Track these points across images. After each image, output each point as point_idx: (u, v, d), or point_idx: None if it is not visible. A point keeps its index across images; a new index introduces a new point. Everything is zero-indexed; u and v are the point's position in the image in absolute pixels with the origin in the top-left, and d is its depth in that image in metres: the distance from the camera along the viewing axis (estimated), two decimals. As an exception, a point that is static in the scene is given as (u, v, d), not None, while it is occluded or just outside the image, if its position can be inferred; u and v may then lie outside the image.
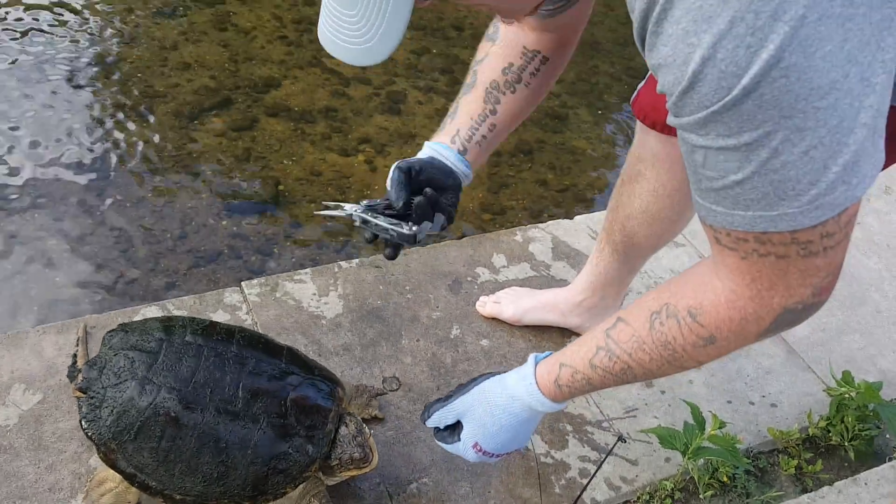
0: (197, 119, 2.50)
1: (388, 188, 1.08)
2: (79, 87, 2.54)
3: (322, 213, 1.19)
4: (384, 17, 0.75)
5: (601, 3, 3.19)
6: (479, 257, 1.77)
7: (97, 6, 2.93)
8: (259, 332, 1.38)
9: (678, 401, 1.51)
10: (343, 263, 1.70)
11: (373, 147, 2.51)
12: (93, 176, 2.23)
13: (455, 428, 1.15)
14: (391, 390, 1.44)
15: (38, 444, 1.24)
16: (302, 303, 1.58)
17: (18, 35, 2.70)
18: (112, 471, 1.10)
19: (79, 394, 1.11)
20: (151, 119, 2.47)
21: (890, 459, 1.50)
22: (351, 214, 1.14)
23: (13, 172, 2.18)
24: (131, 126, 2.43)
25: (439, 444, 1.18)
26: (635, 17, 0.75)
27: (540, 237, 1.87)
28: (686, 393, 1.53)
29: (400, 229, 1.09)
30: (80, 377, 1.12)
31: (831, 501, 1.36)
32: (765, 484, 1.43)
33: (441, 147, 1.17)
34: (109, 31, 2.83)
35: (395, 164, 1.09)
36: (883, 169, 0.78)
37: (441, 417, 1.14)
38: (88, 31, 2.80)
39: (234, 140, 2.44)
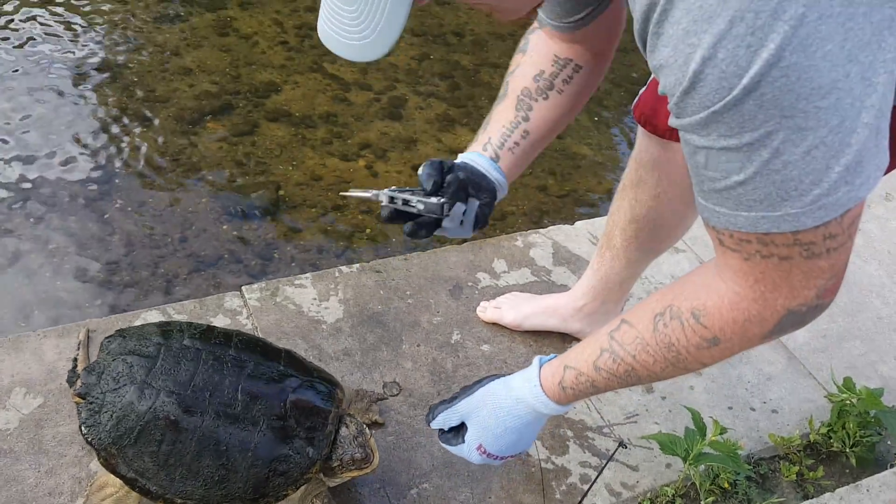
0: (198, 124, 2.50)
1: (420, 173, 1.05)
2: (80, 91, 2.55)
3: (348, 193, 1.14)
4: (383, 14, 0.76)
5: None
6: (480, 262, 1.77)
7: (99, 11, 2.94)
8: (258, 336, 1.37)
9: (679, 406, 1.50)
10: (344, 268, 1.70)
11: (373, 152, 2.51)
12: (94, 180, 2.23)
13: (459, 430, 1.14)
14: (392, 395, 1.43)
15: (38, 447, 1.24)
16: (302, 307, 1.57)
17: (20, 40, 2.70)
18: (112, 476, 1.09)
19: (78, 399, 1.11)
20: (152, 124, 2.47)
21: (891, 466, 1.50)
22: (378, 195, 1.07)
23: (14, 176, 2.18)
24: (132, 131, 2.43)
25: (443, 445, 1.17)
26: (636, 19, 0.75)
27: (540, 242, 1.87)
28: (687, 399, 1.53)
29: (429, 200, 1.03)
30: (78, 383, 1.12)
31: (833, 508, 1.36)
32: (766, 490, 1.42)
33: (473, 155, 1.15)
34: (111, 36, 2.84)
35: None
36: (887, 172, 0.79)
37: (445, 419, 1.14)
38: (90, 36, 2.81)
39: (235, 145, 2.44)
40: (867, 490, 1.39)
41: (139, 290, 1.94)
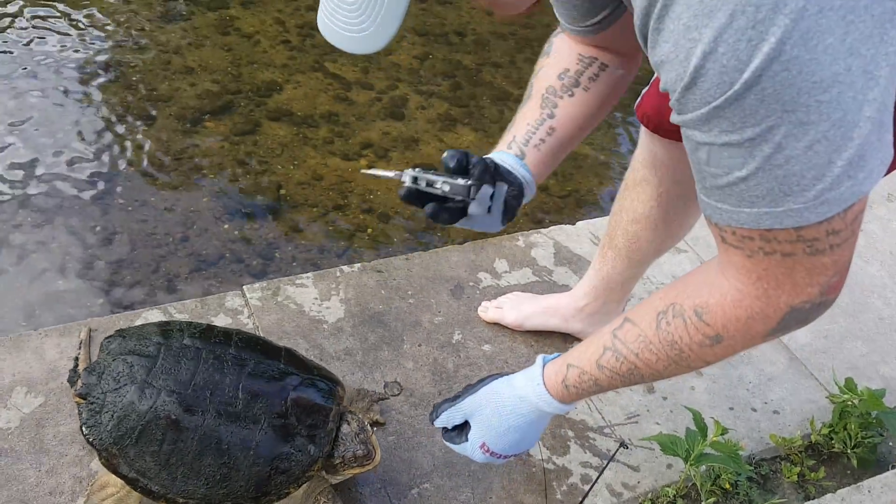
0: (199, 123, 2.50)
1: (444, 156, 0.99)
2: (82, 90, 2.55)
3: (369, 171, 1.06)
4: (383, 5, 0.76)
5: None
6: (481, 262, 1.77)
7: (102, 11, 2.94)
8: (258, 334, 1.37)
9: (680, 407, 1.50)
10: (345, 268, 1.70)
11: (374, 152, 2.51)
12: (95, 179, 2.23)
13: (463, 428, 1.14)
14: (393, 395, 1.43)
15: (39, 447, 1.24)
16: (303, 307, 1.57)
17: (24, 39, 2.70)
18: (113, 476, 1.09)
19: (79, 400, 1.11)
20: (154, 123, 2.47)
21: (893, 467, 1.49)
22: (400, 174, 0.99)
23: (16, 175, 2.18)
24: (134, 129, 2.43)
25: (447, 444, 1.17)
26: (636, 14, 0.75)
27: (542, 242, 1.87)
28: (688, 399, 1.53)
29: (454, 181, 0.95)
30: (79, 383, 1.12)
31: (834, 509, 1.36)
32: (767, 491, 1.42)
33: (499, 154, 1.11)
34: (113, 35, 2.84)
35: None
36: (890, 172, 0.78)
37: (449, 417, 1.14)
38: (92, 35, 2.81)
39: (237, 144, 2.44)
40: (868, 491, 1.39)
41: (141, 289, 1.94)
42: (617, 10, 1.06)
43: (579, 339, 1.54)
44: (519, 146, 1.11)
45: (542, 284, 1.74)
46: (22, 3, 2.88)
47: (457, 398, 1.14)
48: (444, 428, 1.17)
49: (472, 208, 0.97)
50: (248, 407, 1.09)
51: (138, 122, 2.46)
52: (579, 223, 1.97)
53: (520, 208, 1.07)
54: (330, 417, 1.14)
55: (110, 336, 1.18)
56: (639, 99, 1.28)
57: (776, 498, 1.40)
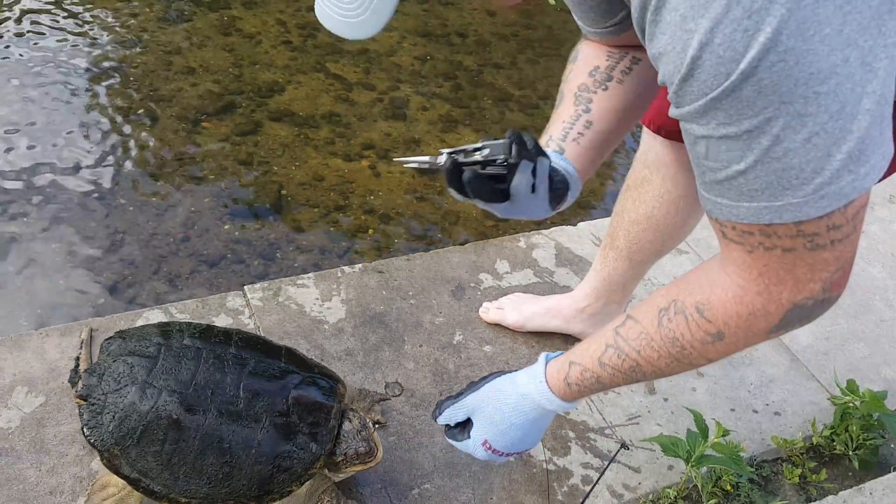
0: (201, 123, 2.50)
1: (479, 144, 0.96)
2: (84, 90, 2.55)
3: (402, 159, 1.01)
4: None
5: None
6: (483, 263, 1.77)
7: (103, 11, 2.94)
8: (259, 334, 1.37)
9: (681, 408, 1.50)
10: (346, 268, 1.70)
11: (376, 152, 2.51)
12: (97, 179, 2.23)
13: (465, 426, 1.14)
14: (394, 395, 1.43)
15: (39, 446, 1.24)
16: (305, 307, 1.57)
17: (25, 40, 2.71)
18: (115, 476, 1.09)
19: (80, 401, 1.11)
20: (155, 123, 2.47)
21: (895, 469, 1.49)
22: (435, 158, 0.94)
23: (17, 175, 2.19)
24: (135, 130, 2.43)
25: (449, 441, 1.17)
26: (633, 7, 0.75)
27: (543, 243, 1.87)
28: (689, 400, 1.53)
29: (493, 141, 0.91)
30: (80, 384, 1.12)
31: (836, 510, 1.36)
32: (768, 493, 1.42)
33: None
34: (115, 35, 2.84)
35: None
36: (890, 174, 0.78)
37: (452, 414, 1.14)
38: (94, 35, 2.82)
39: (238, 144, 2.44)
40: (870, 493, 1.39)
41: (142, 290, 1.94)
42: None
43: (580, 341, 1.54)
44: (557, 143, 1.08)
45: (543, 285, 1.74)
46: (25, 2, 2.88)
47: (459, 395, 1.14)
48: (446, 425, 1.17)
49: (516, 182, 0.92)
50: (250, 406, 1.09)
51: (139, 123, 2.46)
52: (580, 224, 1.97)
53: (570, 198, 1.04)
54: (331, 415, 1.14)
55: (110, 337, 1.18)
56: (640, 99, 1.28)
57: (777, 500, 1.40)
